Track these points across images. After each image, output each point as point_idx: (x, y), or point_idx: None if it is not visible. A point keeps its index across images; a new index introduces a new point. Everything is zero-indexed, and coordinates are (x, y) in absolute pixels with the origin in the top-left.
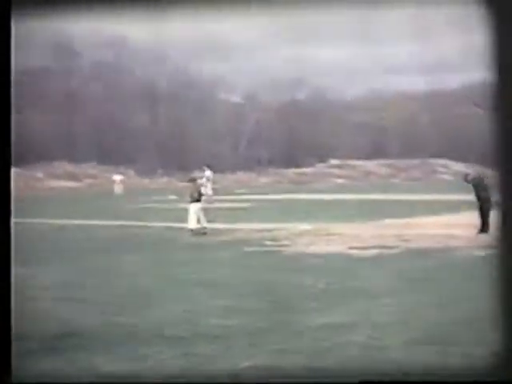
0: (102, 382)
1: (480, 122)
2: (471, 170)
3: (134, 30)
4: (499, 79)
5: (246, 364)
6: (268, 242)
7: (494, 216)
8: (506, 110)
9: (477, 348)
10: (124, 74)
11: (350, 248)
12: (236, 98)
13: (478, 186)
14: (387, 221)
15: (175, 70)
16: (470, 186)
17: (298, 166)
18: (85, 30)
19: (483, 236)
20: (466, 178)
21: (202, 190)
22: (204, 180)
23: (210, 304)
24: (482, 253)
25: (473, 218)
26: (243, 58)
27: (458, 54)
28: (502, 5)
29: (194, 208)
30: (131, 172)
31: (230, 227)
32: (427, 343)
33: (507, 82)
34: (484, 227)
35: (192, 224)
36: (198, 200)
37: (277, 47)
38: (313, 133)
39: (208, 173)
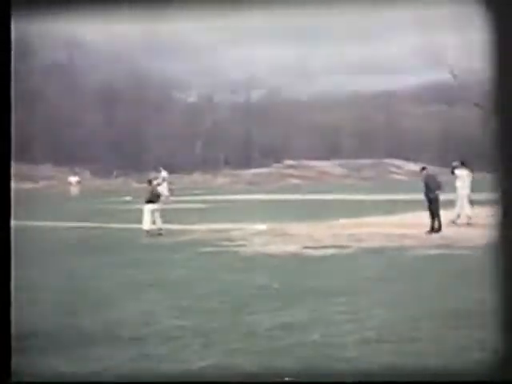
0: (102, 381)
1: (433, 122)
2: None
3: (89, 31)
4: (498, 79)
5: (200, 364)
6: (224, 243)
7: (443, 215)
8: (505, 109)
9: (430, 346)
10: (79, 74)
11: (305, 248)
12: (192, 99)
13: (428, 186)
14: (341, 220)
15: (131, 71)
16: (423, 185)
17: (253, 166)
18: (40, 30)
19: (435, 235)
20: (422, 170)
21: (158, 191)
22: (160, 181)
23: (165, 305)
24: (433, 252)
25: (425, 217)
26: (199, 59)
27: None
28: (500, 5)
29: (149, 209)
30: (87, 173)
31: (186, 228)
32: (381, 342)
33: (506, 82)
34: (435, 226)
35: (147, 225)
36: (154, 201)
37: (233, 47)
38: (268, 133)
39: (163, 173)
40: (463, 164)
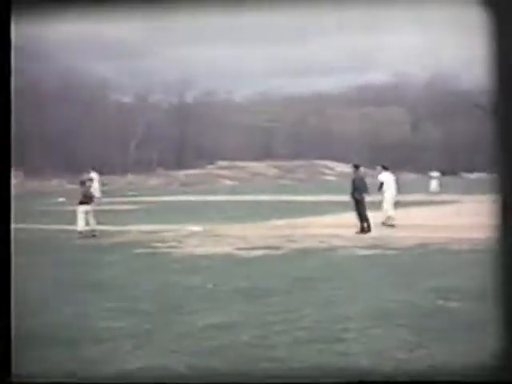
0: (101, 382)
1: (364, 124)
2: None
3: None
4: (499, 81)
5: (134, 365)
6: (157, 244)
7: (374, 217)
8: (506, 111)
9: (359, 346)
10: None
11: (237, 249)
12: (127, 99)
13: (355, 187)
14: (274, 221)
15: (64, 70)
16: (355, 187)
17: (187, 167)
18: None
19: (365, 236)
20: (354, 167)
21: (92, 192)
22: (91, 182)
23: (98, 306)
24: (364, 252)
25: (354, 218)
26: (135, 59)
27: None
28: (500, 6)
29: (82, 210)
30: (20, 174)
31: (120, 229)
32: (311, 342)
33: (507, 84)
34: (364, 227)
35: (80, 226)
36: (88, 202)
37: (168, 48)
38: (202, 134)
39: (93, 174)
40: (385, 168)
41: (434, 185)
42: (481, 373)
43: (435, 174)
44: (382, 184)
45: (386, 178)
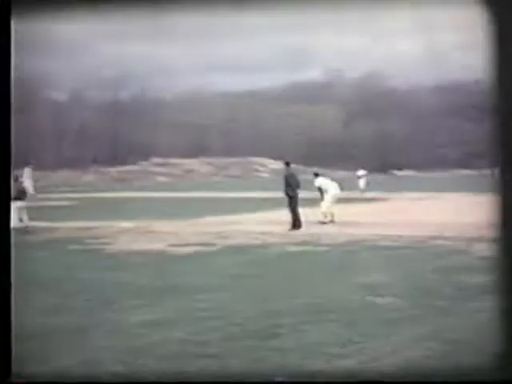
0: (102, 382)
1: (297, 121)
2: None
3: None
4: (498, 79)
5: (66, 362)
6: (90, 241)
7: (311, 213)
8: (506, 109)
9: (293, 341)
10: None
11: (170, 245)
12: (62, 97)
13: (288, 183)
14: (207, 218)
15: None
16: (283, 182)
17: (121, 164)
18: None
19: (297, 232)
20: (286, 164)
21: (25, 188)
22: (24, 178)
23: (31, 303)
24: (295, 248)
25: (287, 214)
26: (71, 56)
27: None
28: (500, 5)
29: (15, 206)
30: None
31: (53, 225)
32: (245, 338)
33: (506, 82)
34: (296, 223)
35: (13, 223)
36: (21, 198)
37: (101, 45)
38: (136, 131)
39: (28, 170)
40: (317, 175)
41: (361, 183)
42: (480, 373)
43: (362, 172)
44: (319, 189)
45: (322, 181)
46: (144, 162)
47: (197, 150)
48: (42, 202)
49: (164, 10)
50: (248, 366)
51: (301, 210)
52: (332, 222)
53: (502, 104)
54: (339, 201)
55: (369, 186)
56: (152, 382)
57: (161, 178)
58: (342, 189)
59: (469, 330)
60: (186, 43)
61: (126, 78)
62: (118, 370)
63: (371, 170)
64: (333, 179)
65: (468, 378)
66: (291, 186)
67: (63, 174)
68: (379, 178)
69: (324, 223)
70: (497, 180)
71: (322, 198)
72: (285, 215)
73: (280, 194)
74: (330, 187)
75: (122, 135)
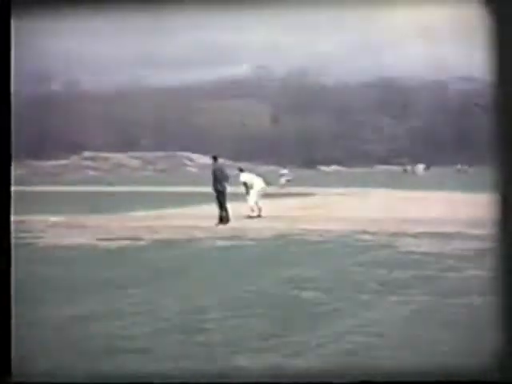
0: (102, 382)
1: (228, 116)
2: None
3: None
4: (499, 79)
5: None
6: (21, 234)
7: (230, 207)
8: (506, 109)
9: (219, 336)
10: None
11: (99, 240)
12: None
13: (216, 178)
14: (136, 213)
15: None
16: (215, 178)
17: (52, 158)
18: None
19: (225, 226)
20: (213, 159)
21: None
22: None
23: None
24: (223, 243)
25: (215, 209)
26: None
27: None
28: (502, 5)
29: None
30: None
31: None
32: (172, 332)
33: (506, 82)
34: (223, 218)
35: None
36: None
37: (32, 38)
38: (66, 125)
39: None
40: (241, 170)
41: (282, 181)
42: (480, 373)
43: (284, 171)
44: (245, 184)
45: (246, 177)
46: (74, 156)
47: (126, 145)
48: None
49: (95, 6)
50: (175, 360)
51: (229, 205)
52: (259, 216)
53: (501, 103)
54: (267, 196)
55: (291, 183)
56: (152, 383)
57: (91, 172)
58: (268, 184)
59: (391, 324)
60: (118, 38)
61: (57, 72)
62: (45, 367)
63: (298, 165)
64: (258, 174)
65: (467, 378)
66: (219, 181)
67: None
68: (306, 173)
69: (251, 217)
70: (497, 178)
71: (247, 193)
72: (213, 210)
73: (208, 189)
74: (255, 182)
75: (53, 129)
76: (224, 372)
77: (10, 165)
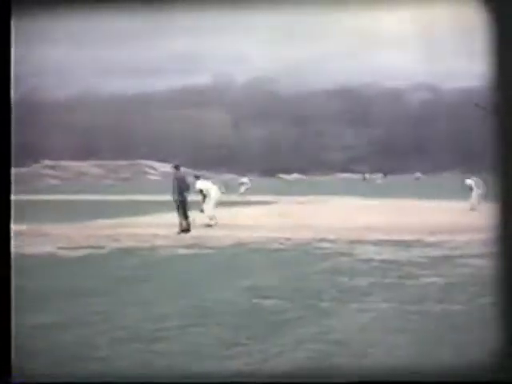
0: (102, 381)
1: (187, 125)
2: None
3: None
4: (498, 80)
5: None
6: None
7: (192, 215)
8: (506, 110)
9: (180, 345)
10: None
11: (61, 248)
12: None
13: (178, 188)
14: (98, 221)
15: None
16: (176, 187)
17: (12, 166)
18: None
19: (185, 235)
20: (175, 168)
21: None
22: None
23: None
24: (184, 251)
25: (176, 217)
26: None
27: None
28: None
29: None
30: None
31: None
32: (132, 341)
33: (506, 83)
34: (184, 226)
35: None
36: None
37: None
38: (26, 133)
39: None
40: (197, 177)
41: (242, 189)
42: (480, 373)
43: (244, 179)
44: (201, 191)
45: (202, 184)
46: (35, 165)
47: (87, 153)
48: None
49: (52, 14)
50: (135, 369)
51: (189, 213)
52: (216, 224)
53: (502, 105)
54: (227, 204)
55: (251, 192)
56: (154, 383)
57: (52, 181)
58: (224, 192)
59: (351, 331)
60: (79, 46)
61: (17, 79)
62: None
63: (259, 173)
64: (218, 182)
65: (465, 378)
66: (180, 190)
67: None
68: (267, 181)
69: (210, 226)
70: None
71: (203, 201)
72: (174, 218)
73: (169, 197)
74: (211, 190)
75: (13, 137)
76: (184, 380)
77: (9, 172)
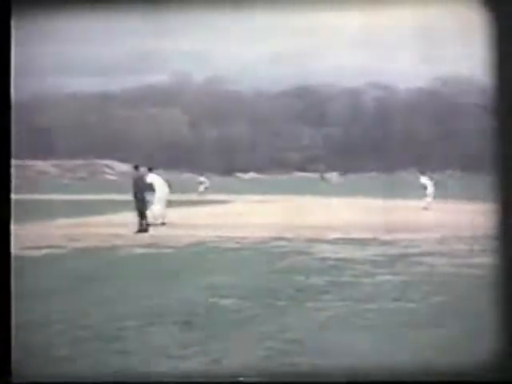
0: (102, 381)
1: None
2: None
3: None
4: (499, 81)
5: None
6: None
7: (150, 215)
8: (506, 110)
9: (137, 344)
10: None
11: (21, 248)
12: None
13: (137, 186)
14: (56, 221)
15: None
16: (132, 185)
17: None
18: None
19: (143, 235)
20: (135, 168)
21: None
22: None
23: None
24: (142, 251)
25: (134, 217)
26: None
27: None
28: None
29: None
30: None
31: None
32: (91, 340)
33: (506, 83)
34: (143, 226)
35: None
36: None
37: None
38: None
39: None
40: (151, 169)
41: (201, 188)
42: (480, 373)
43: (202, 179)
44: (151, 185)
45: (154, 179)
46: None
47: (44, 152)
48: None
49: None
50: (93, 368)
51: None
52: (164, 224)
53: (502, 104)
54: (186, 203)
55: (209, 191)
56: (156, 383)
57: (12, 180)
58: (171, 188)
59: (307, 329)
60: (36, 45)
61: None
62: None
63: (217, 172)
64: (178, 181)
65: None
66: (140, 190)
67: None
68: (224, 180)
69: (163, 224)
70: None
71: (153, 195)
72: (133, 217)
73: (128, 197)
74: (159, 186)
75: None
76: (143, 380)
77: (9, 175)
